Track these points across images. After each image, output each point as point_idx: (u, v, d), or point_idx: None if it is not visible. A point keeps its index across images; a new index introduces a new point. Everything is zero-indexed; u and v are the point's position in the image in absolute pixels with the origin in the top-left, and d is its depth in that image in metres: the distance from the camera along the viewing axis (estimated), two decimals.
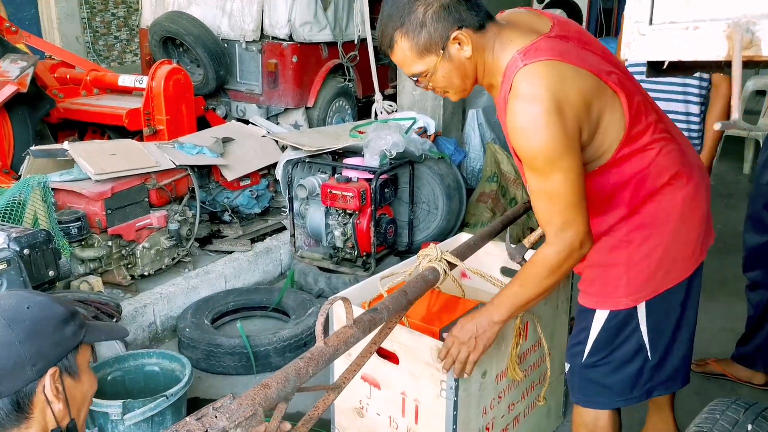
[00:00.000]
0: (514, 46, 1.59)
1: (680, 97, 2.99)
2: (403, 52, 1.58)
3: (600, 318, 1.83)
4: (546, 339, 2.44)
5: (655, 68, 1.01)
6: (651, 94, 3.04)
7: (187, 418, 1.13)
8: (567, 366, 2.01)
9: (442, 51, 1.56)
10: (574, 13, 9.14)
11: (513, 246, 2.20)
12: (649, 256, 1.74)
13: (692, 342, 1.94)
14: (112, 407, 2.32)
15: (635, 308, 1.80)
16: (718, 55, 0.90)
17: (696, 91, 2.98)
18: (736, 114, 0.87)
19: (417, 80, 1.65)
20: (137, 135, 4.68)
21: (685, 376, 1.96)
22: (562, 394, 2.69)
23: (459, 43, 1.56)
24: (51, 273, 2.79)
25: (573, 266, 1.69)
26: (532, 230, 4.77)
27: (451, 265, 2.13)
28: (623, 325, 1.83)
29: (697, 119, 3.01)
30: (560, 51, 1.56)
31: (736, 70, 0.86)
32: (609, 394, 1.92)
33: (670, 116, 2.88)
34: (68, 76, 5.33)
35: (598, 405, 1.96)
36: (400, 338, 2.03)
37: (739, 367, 2.88)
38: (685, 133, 2.83)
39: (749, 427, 1.42)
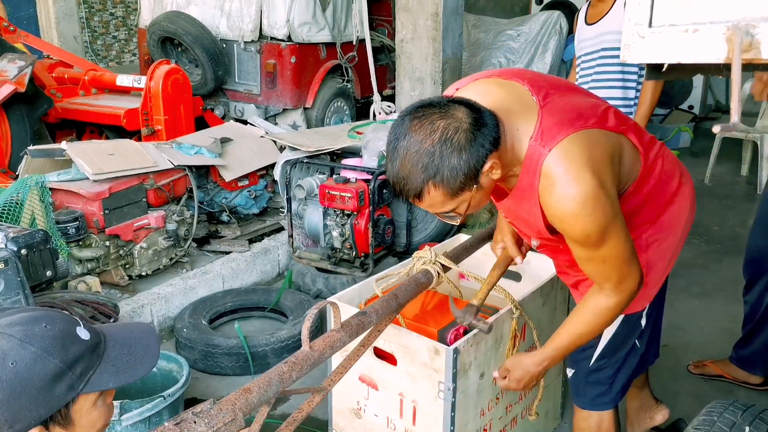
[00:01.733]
0: (524, 133, 1.53)
1: (619, 84, 3.16)
2: (434, 198, 1.46)
3: (615, 323, 1.83)
4: (543, 341, 2.44)
5: (655, 70, 1.01)
6: (593, 83, 3.14)
7: (166, 423, 1.12)
8: (570, 372, 2.02)
9: (475, 186, 1.46)
10: (572, 13, 9.15)
11: (459, 310, 2.03)
12: (664, 257, 1.78)
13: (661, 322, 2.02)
14: None
15: (645, 308, 1.86)
16: (717, 57, 0.91)
17: (635, 77, 3.17)
18: (735, 117, 0.87)
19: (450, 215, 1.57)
20: (135, 135, 4.68)
21: (656, 353, 2.05)
22: (560, 395, 2.69)
23: (491, 169, 1.47)
24: (48, 273, 2.78)
25: (621, 311, 1.69)
26: None
27: (446, 268, 2.13)
28: (633, 326, 1.87)
29: (633, 102, 3.19)
30: (563, 119, 1.53)
31: (736, 72, 0.86)
32: (613, 392, 1.96)
33: (610, 102, 3.03)
34: (66, 76, 5.32)
35: (604, 406, 1.98)
36: (398, 339, 2.03)
37: (736, 368, 2.89)
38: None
39: (747, 429, 1.42)
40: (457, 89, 1.66)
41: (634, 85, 3.21)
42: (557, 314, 2.51)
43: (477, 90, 1.61)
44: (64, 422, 1.09)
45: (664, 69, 1.02)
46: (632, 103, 3.22)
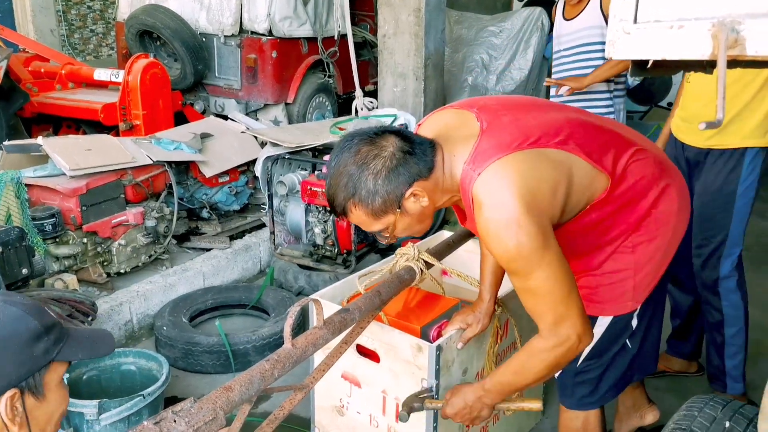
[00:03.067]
0: (460, 159, 1.55)
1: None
2: (359, 217, 1.57)
3: (602, 324, 1.82)
4: (525, 336, 2.45)
5: (640, 67, 1.01)
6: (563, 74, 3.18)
7: (146, 422, 1.11)
8: (557, 372, 1.96)
9: (398, 210, 1.54)
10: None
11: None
12: (653, 258, 1.75)
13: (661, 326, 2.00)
14: (88, 407, 2.27)
15: (635, 310, 1.82)
16: (702, 54, 0.90)
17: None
18: (720, 114, 0.87)
19: (380, 236, 1.65)
20: (113, 130, 4.62)
21: (657, 359, 2.03)
22: (541, 391, 2.70)
23: (414, 196, 1.54)
24: (24, 271, 2.74)
25: (568, 360, 1.61)
26: None
27: (429, 265, 2.12)
28: (623, 328, 1.84)
29: (605, 95, 3.28)
30: (500, 142, 1.53)
31: (721, 69, 0.85)
32: (600, 392, 1.94)
33: (588, 95, 3.17)
34: (42, 70, 5.23)
35: (590, 406, 1.96)
36: (380, 336, 2.02)
37: (675, 359, 2.94)
38: (593, 110, 3.04)
39: (727, 424, 1.43)
40: (419, 124, 1.76)
41: (611, 80, 3.26)
42: None
43: (430, 121, 1.73)
44: (36, 391, 1.15)
45: (648, 65, 1.02)
46: (611, 95, 3.28)
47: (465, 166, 1.53)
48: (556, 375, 1.99)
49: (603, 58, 3.18)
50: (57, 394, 1.19)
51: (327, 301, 2.20)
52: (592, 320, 1.77)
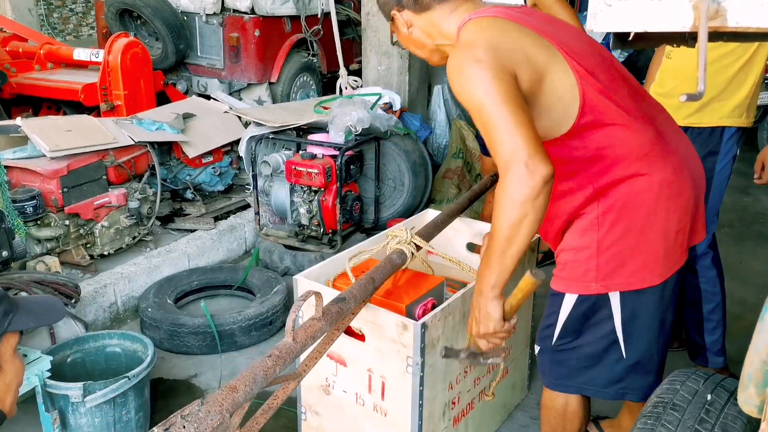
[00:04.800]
0: (468, 13, 1.70)
1: None
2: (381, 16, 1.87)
3: (569, 301, 1.81)
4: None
5: (621, 40, 1.00)
6: None
7: (156, 429, 1.11)
8: (537, 348, 2.00)
9: (391, 22, 1.86)
10: None
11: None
12: (620, 242, 1.69)
13: (667, 349, 1.93)
14: (72, 389, 2.26)
15: (607, 297, 1.77)
16: (683, 26, 0.89)
17: None
18: (701, 86, 0.87)
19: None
20: (94, 111, 4.55)
21: (660, 380, 1.87)
22: (527, 368, 2.72)
23: (393, 20, 1.83)
24: (4, 253, 2.70)
25: (533, 194, 1.45)
26: None
27: (418, 247, 2.13)
28: (593, 312, 1.80)
29: None
30: (510, 13, 1.66)
31: (702, 41, 0.85)
32: (579, 380, 1.91)
33: None
34: (21, 50, 5.13)
35: (567, 389, 1.95)
36: (366, 316, 2.02)
37: None
38: None
39: (709, 396, 1.45)
40: None
41: None
42: None
43: None
44: None
45: (630, 38, 1.01)
46: None
47: (466, 15, 1.69)
48: (536, 351, 1.99)
49: None
50: (13, 364, 1.23)
51: (312, 281, 2.19)
52: (559, 297, 1.83)
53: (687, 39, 0.98)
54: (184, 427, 1.12)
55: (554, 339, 1.89)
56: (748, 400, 1.15)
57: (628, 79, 1.78)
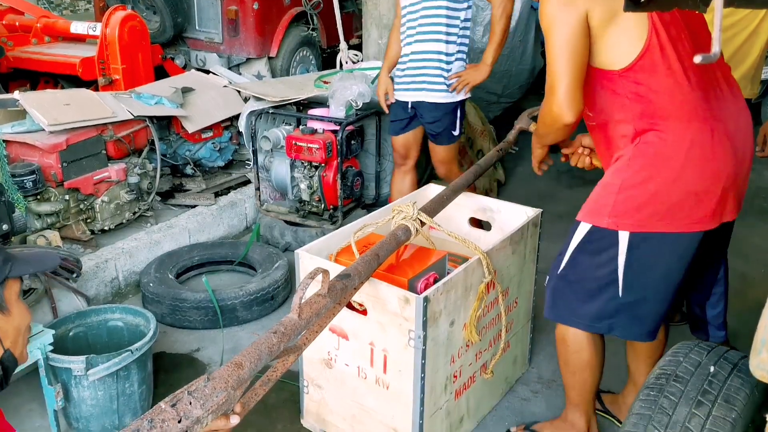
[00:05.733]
0: None
1: (443, 37, 3.13)
2: None
3: (582, 230, 1.95)
4: (513, 289, 2.47)
5: (634, 2, 0.97)
6: (418, 36, 3.15)
7: (162, 405, 1.11)
8: (547, 279, 2.12)
9: None
10: None
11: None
12: (642, 186, 1.82)
13: (671, 303, 1.98)
14: (75, 363, 2.27)
15: (617, 235, 1.87)
16: None
17: (456, 31, 3.15)
18: (716, 47, 0.85)
19: None
20: (92, 85, 4.51)
21: (652, 332, 2.01)
22: (528, 342, 2.73)
23: None
24: (4, 227, 2.69)
25: (555, 127, 1.88)
26: (499, 182, 4.79)
27: (422, 223, 2.12)
28: (602, 247, 1.91)
29: (455, 57, 3.19)
30: None
31: (718, 1, 0.83)
32: (576, 313, 2.03)
33: (429, 55, 3.12)
34: (17, 23, 5.07)
35: (564, 320, 2.08)
36: (368, 290, 2.02)
37: None
38: (439, 71, 3.14)
39: (711, 368, 1.45)
40: None
41: (455, 39, 3.15)
42: (527, 262, 2.53)
43: None
44: (1, 307, 1.24)
45: (642, 0, 0.98)
46: (453, 58, 3.17)
47: None
48: (546, 282, 2.12)
49: (447, 8, 3.07)
50: (18, 309, 1.28)
51: (314, 256, 2.19)
52: (576, 225, 1.99)
53: (699, 4, 0.95)
54: (190, 403, 1.13)
55: (561, 267, 2.02)
56: (760, 365, 1.15)
57: (699, 42, 1.84)
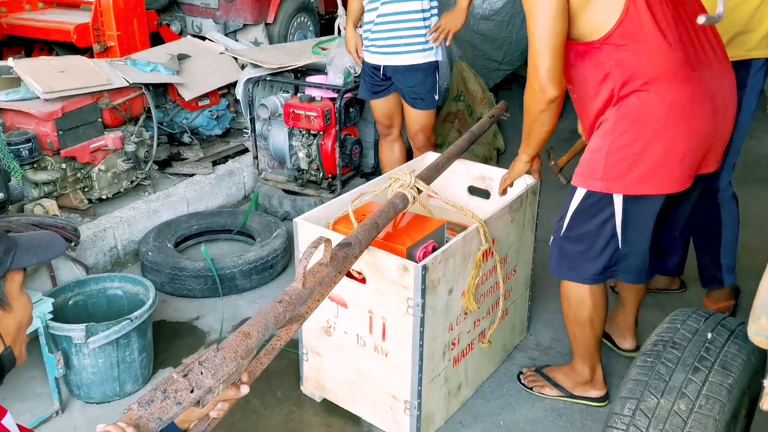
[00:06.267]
0: None
1: None
2: None
3: (579, 195, 2.05)
4: (511, 257, 2.47)
5: None
6: None
7: (174, 375, 1.12)
8: (551, 240, 2.22)
9: None
10: None
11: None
12: (627, 148, 1.89)
13: (666, 246, 2.17)
14: (75, 331, 2.28)
15: (611, 198, 1.98)
16: None
17: None
18: (721, 7, 0.83)
19: None
20: (87, 52, 4.45)
21: (650, 274, 2.23)
22: (526, 310, 2.74)
23: None
24: (1, 195, 2.68)
25: (539, 108, 1.91)
26: (498, 150, 4.76)
27: (419, 190, 2.11)
28: (598, 210, 2.02)
29: (430, 13, 3.14)
30: None
31: None
32: (580, 268, 2.14)
33: (405, 16, 3.06)
34: None
35: (569, 276, 2.18)
36: (367, 258, 2.02)
37: (658, 277, 2.99)
38: (416, 31, 3.09)
39: (709, 335, 1.46)
40: None
41: None
42: (525, 230, 2.53)
43: None
44: (2, 303, 1.15)
45: None
46: (429, 14, 3.11)
47: None
48: (550, 242, 2.23)
49: None
50: (20, 302, 1.19)
51: (313, 224, 2.18)
52: (573, 190, 2.08)
53: None
54: (201, 373, 1.14)
55: (563, 230, 2.12)
56: (759, 330, 1.15)
57: (680, 3, 1.89)
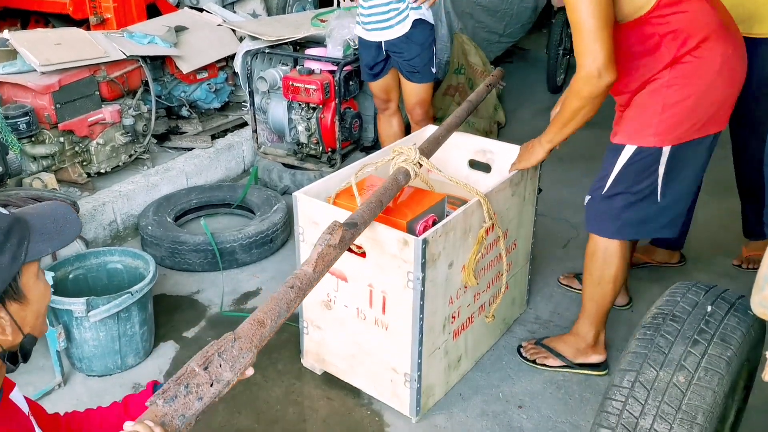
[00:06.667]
0: None
1: None
2: None
3: (627, 152, 2.07)
4: (512, 231, 2.46)
5: None
6: None
7: (196, 368, 1.14)
8: (587, 198, 2.25)
9: None
10: None
11: None
12: (682, 103, 1.97)
13: (695, 200, 2.20)
14: (76, 304, 2.28)
15: (660, 151, 2.03)
16: None
17: None
18: None
19: None
20: (83, 24, 4.39)
21: (680, 227, 2.25)
22: (526, 283, 2.75)
23: None
24: None
25: (594, 94, 1.91)
26: (498, 124, 4.73)
27: (420, 164, 2.10)
28: (646, 165, 2.06)
29: None
30: None
31: None
32: (619, 226, 2.17)
33: None
34: None
35: (609, 233, 2.20)
36: (367, 232, 2.01)
37: (659, 250, 3.02)
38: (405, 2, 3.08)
39: (709, 308, 1.46)
40: None
41: None
42: (526, 205, 2.52)
43: None
44: (18, 297, 1.10)
45: None
46: None
47: None
48: (585, 202, 2.25)
49: None
50: (37, 292, 1.14)
51: (312, 198, 2.17)
52: (618, 149, 2.10)
53: None
54: (220, 365, 1.16)
55: (605, 188, 2.15)
56: (763, 302, 1.16)
57: None
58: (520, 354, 2.50)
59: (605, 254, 2.23)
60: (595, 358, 2.40)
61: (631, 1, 1.91)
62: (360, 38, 3.30)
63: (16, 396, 1.21)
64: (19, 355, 1.14)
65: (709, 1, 1.97)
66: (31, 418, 1.21)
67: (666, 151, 2.03)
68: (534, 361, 2.46)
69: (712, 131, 2.05)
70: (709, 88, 1.97)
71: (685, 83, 1.96)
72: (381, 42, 3.18)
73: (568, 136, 2.15)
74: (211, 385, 1.12)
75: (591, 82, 1.88)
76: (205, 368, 1.13)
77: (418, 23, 3.11)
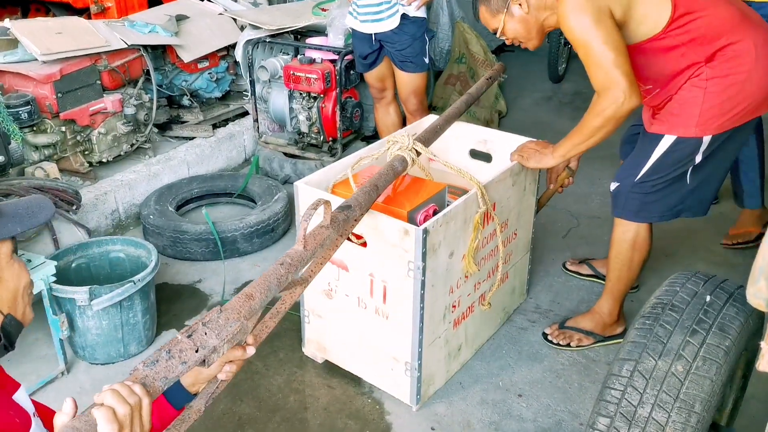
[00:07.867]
0: None
1: None
2: (482, 14, 2.19)
3: (666, 142, 2.12)
4: (512, 221, 2.47)
5: None
6: None
7: (179, 336, 1.12)
8: (614, 185, 2.29)
9: (506, 10, 2.11)
10: None
11: None
12: (723, 93, 2.01)
13: (723, 180, 2.28)
14: (79, 293, 2.30)
15: (701, 140, 2.07)
16: None
17: None
18: None
19: (497, 34, 2.21)
20: (84, 13, 4.39)
21: (708, 208, 2.29)
22: (527, 273, 2.76)
23: (519, 5, 2.10)
24: (1, 158, 2.68)
25: (618, 115, 1.97)
26: (500, 113, 4.72)
27: (418, 153, 2.11)
28: (685, 154, 2.11)
29: None
30: None
31: None
32: (650, 210, 2.23)
33: None
34: None
35: (639, 218, 2.26)
36: (368, 221, 2.02)
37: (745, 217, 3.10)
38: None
39: (708, 298, 1.47)
40: None
41: None
42: (527, 194, 2.52)
43: None
44: None
45: None
46: None
47: None
48: (612, 189, 2.30)
49: None
50: (11, 271, 1.15)
51: (313, 188, 2.18)
52: (656, 139, 2.14)
53: None
54: (206, 333, 1.15)
55: (638, 176, 2.19)
56: (757, 293, 1.16)
57: None
58: (550, 341, 2.53)
59: (636, 239, 2.29)
60: (620, 329, 2.51)
61: (644, 22, 1.98)
62: (353, 29, 3.31)
63: (21, 396, 1.21)
64: (2, 337, 1.14)
65: (726, 2, 2.02)
66: (35, 419, 1.20)
67: (706, 140, 2.07)
68: (569, 345, 2.50)
69: (750, 117, 2.08)
70: (750, 75, 2.01)
71: (726, 74, 2.01)
72: (373, 33, 3.20)
73: (582, 153, 2.21)
74: (196, 351, 1.11)
75: (617, 104, 1.94)
76: (189, 336, 1.13)
77: (410, 16, 3.12)
